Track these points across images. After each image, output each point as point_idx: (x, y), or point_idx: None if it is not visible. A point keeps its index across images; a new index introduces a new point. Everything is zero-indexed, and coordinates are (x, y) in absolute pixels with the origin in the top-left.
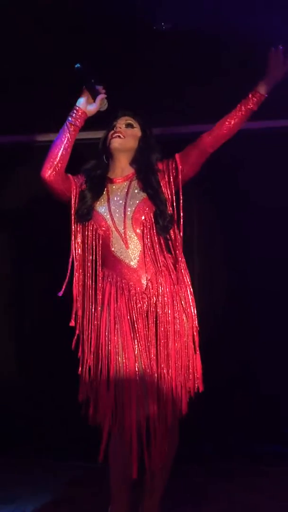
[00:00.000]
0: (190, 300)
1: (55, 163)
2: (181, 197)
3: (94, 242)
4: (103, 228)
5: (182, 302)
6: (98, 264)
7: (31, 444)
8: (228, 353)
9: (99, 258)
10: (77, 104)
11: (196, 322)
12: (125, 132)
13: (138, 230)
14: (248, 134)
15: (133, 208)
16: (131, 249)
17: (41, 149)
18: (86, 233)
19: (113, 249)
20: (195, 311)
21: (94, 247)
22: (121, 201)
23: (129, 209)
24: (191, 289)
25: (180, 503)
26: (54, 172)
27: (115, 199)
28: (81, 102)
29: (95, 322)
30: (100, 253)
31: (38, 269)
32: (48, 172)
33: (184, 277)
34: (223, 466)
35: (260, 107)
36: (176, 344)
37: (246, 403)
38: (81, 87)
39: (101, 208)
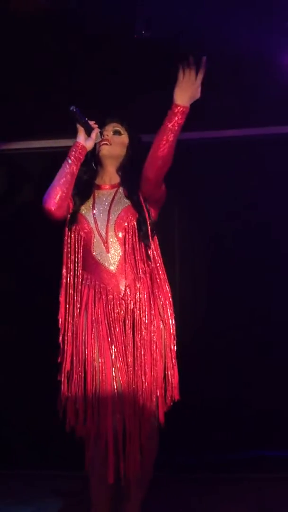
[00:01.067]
0: (168, 309)
1: (59, 196)
2: (146, 213)
3: (76, 244)
4: (85, 230)
5: (160, 310)
6: (78, 266)
7: (10, 454)
8: (209, 362)
9: (80, 261)
10: (77, 139)
11: (174, 331)
12: (112, 140)
13: (120, 235)
14: (232, 141)
15: (117, 214)
16: (112, 254)
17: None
18: (70, 234)
19: (94, 252)
20: (173, 321)
21: (76, 249)
22: (106, 206)
23: (112, 214)
24: (170, 299)
25: None
26: (58, 204)
27: (100, 204)
28: (80, 138)
29: (74, 326)
30: (81, 256)
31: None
32: (53, 206)
33: (164, 286)
34: (203, 475)
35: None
36: (152, 352)
37: (225, 411)
38: (75, 125)
39: (85, 211)
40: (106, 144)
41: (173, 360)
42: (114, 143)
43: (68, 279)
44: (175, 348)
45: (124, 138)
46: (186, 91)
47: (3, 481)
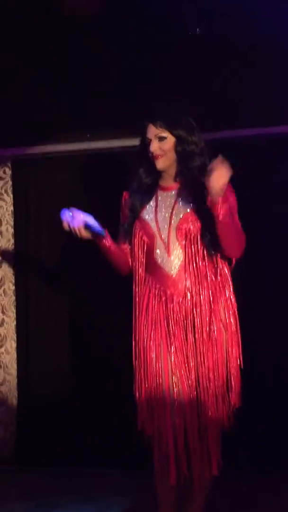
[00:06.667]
0: (231, 311)
1: (121, 270)
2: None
3: (139, 250)
4: (148, 235)
5: (221, 314)
6: (142, 270)
7: (79, 452)
8: (270, 362)
9: (141, 265)
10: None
11: (238, 336)
12: (161, 150)
13: (182, 240)
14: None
15: (179, 218)
16: (173, 258)
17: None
18: (134, 240)
19: (156, 256)
20: (237, 325)
21: (139, 253)
22: (168, 209)
23: (174, 218)
24: (233, 299)
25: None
26: (127, 269)
27: (163, 206)
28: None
29: (137, 327)
30: (144, 259)
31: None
32: (125, 273)
33: (226, 289)
34: (266, 478)
35: None
36: (214, 356)
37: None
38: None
39: (148, 215)
40: (160, 157)
41: (236, 367)
42: (164, 154)
43: (136, 280)
44: (240, 354)
45: (170, 139)
46: (217, 183)
47: (71, 478)
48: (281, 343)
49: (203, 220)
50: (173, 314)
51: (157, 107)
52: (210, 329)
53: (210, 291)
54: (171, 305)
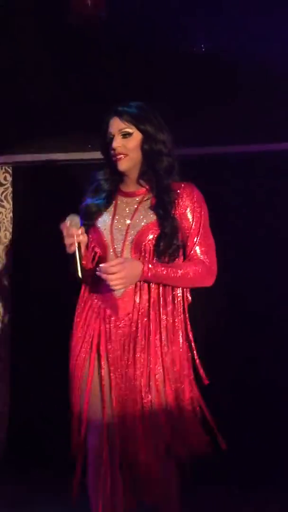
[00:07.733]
0: (181, 341)
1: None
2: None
3: (92, 261)
4: (101, 247)
5: (168, 343)
6: (89, 281)
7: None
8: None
9: (88, 276)
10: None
11: (189, 366)
12: (125, 148)
13: (136, 256)
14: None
15: (137, 230)
16: None
17: None
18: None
19: None
20: (191, 354)
21: (91, 265)
22: (126, 219)
23: (131, 231)
24: (188, 327)
25: None
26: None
27: (121, 215)
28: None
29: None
30: (92, 271)
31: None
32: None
33: (179, 314)
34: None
35: None
36: (153, 390)
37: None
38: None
39: (103, 223)
40: (123, 157)
41: (185, 402)
42: (128, 151)
43: (82, 292)
44: (190, 387)
45: (136, 136)
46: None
47: (62, 482)
48: (272, 350)
49: (162, 229)
50: (110, 335)
51: (124, 101)
52: (147, 362)
53: (159, 317)
54: (108, 326)
